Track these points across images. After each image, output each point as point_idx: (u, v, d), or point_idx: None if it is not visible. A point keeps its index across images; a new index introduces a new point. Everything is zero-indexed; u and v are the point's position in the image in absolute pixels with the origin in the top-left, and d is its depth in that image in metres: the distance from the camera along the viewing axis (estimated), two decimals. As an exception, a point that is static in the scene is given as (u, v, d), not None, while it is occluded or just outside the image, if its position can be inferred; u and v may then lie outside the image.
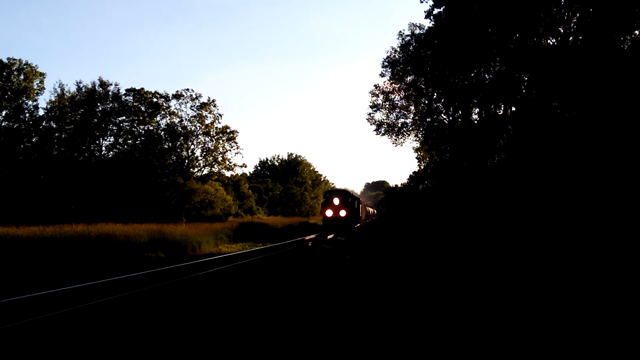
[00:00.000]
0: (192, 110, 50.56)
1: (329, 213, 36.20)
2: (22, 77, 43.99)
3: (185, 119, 50.47)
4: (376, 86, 38.95)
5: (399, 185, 59.20)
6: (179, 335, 6.54)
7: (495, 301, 9.28)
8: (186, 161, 50.65)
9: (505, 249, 17.13)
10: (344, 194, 37.34)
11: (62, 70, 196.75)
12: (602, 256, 13.05)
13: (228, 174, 55.35)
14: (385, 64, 36.60)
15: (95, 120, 46.92)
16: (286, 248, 23.17)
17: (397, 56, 35.66)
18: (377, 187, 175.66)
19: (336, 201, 36.15)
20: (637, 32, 19.19)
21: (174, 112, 50.29)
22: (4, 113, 43.21)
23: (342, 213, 35.93)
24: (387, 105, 38.23)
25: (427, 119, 33.37)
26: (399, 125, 37.88)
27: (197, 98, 50.39)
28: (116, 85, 48.93)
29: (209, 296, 9.46)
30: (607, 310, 8.20)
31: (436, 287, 10.89)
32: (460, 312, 8.34)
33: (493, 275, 12.45)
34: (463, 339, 6.63)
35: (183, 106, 51.28)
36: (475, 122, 29.93)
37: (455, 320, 7.67)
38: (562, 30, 21.52)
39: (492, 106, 27.33)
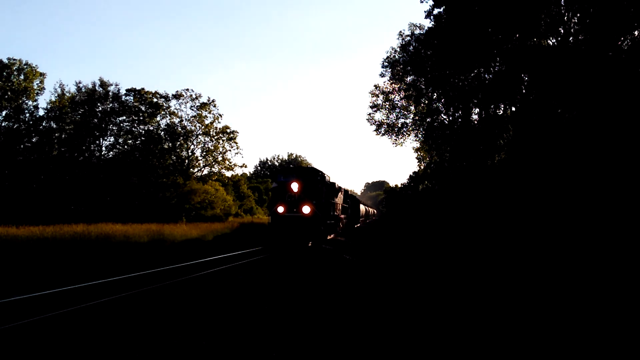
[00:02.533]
0: (192, 110, 50.59)
1: (280, 209, 20.60)
2: (22, 77, 44.01)
3: (185, 119, 50.51)
4: (376, 86, 39.00)
5: (399, 186, 59.21)
6: (179, 336, 6.53)
7: (495, 300, 9.28)
8: (186, 161, 50.66)
9: (505, 248, 17.12)
10: (310, 176, 21.61)
11: (62, 71, 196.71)
12: (602, 254, 13.04)
13: (228, 174, 55.36)
14: (385, 64, 36.63)
15: (96, 120, 46.93)
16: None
17: (397, 56, 35.68)
18: (377, 187, 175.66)
19: (294, 187, 20.57)
20: (637, 32, 19.19)
21: (174, 112, 50.34)
22: (4, 113, 43.23)
23: (306, 209, 20.34)
24: (387, 106, 38.26)
25: (427, 119, 33.38)
26: (399, 125, 37.90)
27: (197, 98, 50.43)
28: (116, 85, 49.01)
29: (210, 296, 9.45)
30: (607, 310, 8.20)
31: (436, 287, 10.88)
32: (460, 311, 8.34)
33: (493, 275, 12.44)
34: (462, 338, 6.62)
35: (183, 106, 51.34)
36: (475, 122, 29.93)
37: (454, 320, 7.66)
38: (562, 31, 21.52)
39: (492, 106, 27.33)
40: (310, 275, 12.83)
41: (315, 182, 21.27)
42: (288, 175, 21.57)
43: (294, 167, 22.94)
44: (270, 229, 20.80)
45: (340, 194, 29.53)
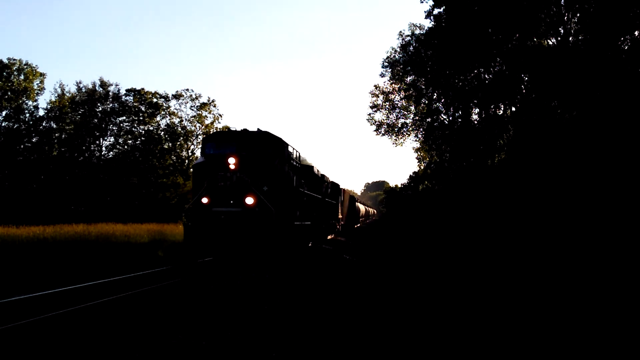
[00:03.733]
0: (192, 110, 50.62)
1: (206, 199, 12.62)
2: (22, 77, 44.04)
3: (185, 119, 50.53)
4: (376, 86, 38.98)
5: (399, 186, 59.23)
6: (179, 336, 6.53)
7: (496, 302, 9.28)
8: (186, 161, 50.68)
9: (505, 248, 17.13)
10: (261, 146, 13.49)
11: (62, 71, 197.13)
12: (603, 255, 13.05)
13: (228, 174, 55.34)
14: (385, 64, 36.63)
15: (96, 120, 46.98)
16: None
17: (397, 56, 35.68)
18: (377, 187, 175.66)
19: (232, 163, 12.53)
20: (637, 32, 19.21)
21: (174, 112, 50.38)
22: (4, 113, 43.27)
23: (249, 200, 12.45)
24: (387, 106, 38.25)
25: (427, 119, 33.39)
26: (399, 126, 37.89)
27: (196, 98, 50.46)
28: (116, 85, 49.07)
29: (210, 295, 9.45)
30: (608, 311, 8.20)
31: (437, 288, 10.89)
32: (460, 313, 8.34)
33: (493, 275, 12.45)
34: (462, 341, 6.63)
35: (183, 106, 51.36)
36: (475, 122, 29.95)
37: (454, 322, 7.66)
38: (562, 31, 21.54)
39: (492, 106, 27.34)
40: (310, 274, 12.84)
41: (269, 156, 13.03)
42: (223, 145, 13.28)
43: (234, 130, 13.48)
44: (187, 233, 12.49)
45: (326, 186, 22.72)
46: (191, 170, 19.61)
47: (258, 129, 13.77)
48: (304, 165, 17.21)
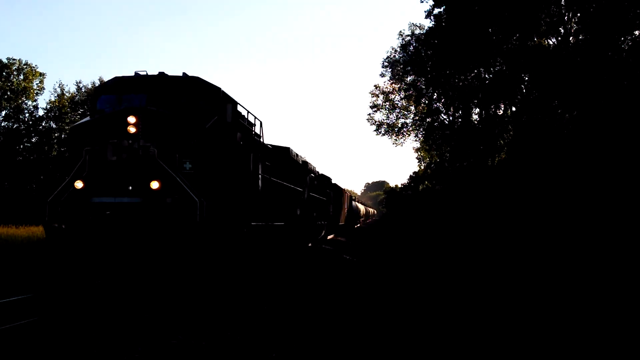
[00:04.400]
0: (192, 110, 50.62)
1: (78, 184, 7.79)
2: (21, 77, 44.02)
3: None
4: (376, 86, 38.97)
5: (399, 186, 59.28)
6: (179, 334, 6.52)
7: (496, 303, 9.27)
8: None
9: (505, 249, 17.12)
10: (184, 97, 8.41)
11: (63, 71, 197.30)
12: (603, 256, 13.04)
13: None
14: (386, 64, 36.65)
15: (95, 120, 46.92)
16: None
17: (397, 56, 35.69)
18: (377, 187, 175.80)
19: (131, 123, 7.44)
20: (637, 32, 19.22)
21: (174, 112, 50.32)
22: (3, 113, 43.23)
23: (155, 185, 7.25)
24: (387, 106, 38.25)
25: (427, 119, 33.41)
26: (399, 126, 37.88)
27: (197, 98, 50.45)
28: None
29: (210, 294, 9.44)
30: (608, 311, 8.19)
31: (438, 288, 10.88)
32: (461, 314, 8.33)
33: (494, 276, 12.44)
34: (463, 342, 6.61)
35: (183, 106, 51.36)
36: (475, 122, 29.96)
37: (455, 324, 7.65)
38: (562, 30, 21.55)
39: (492, 106, 27.35)
40: (310, 273, 12.83)
41: (198, 115, 8.32)
42: (126, 97, 8.70)
43: (145, 75, 8.89)
44: (51, 241, 8.32)
45: (311, 177, 18.73)
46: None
47: (184, 73, 9.03)
48: (276, 146, 13.37)
